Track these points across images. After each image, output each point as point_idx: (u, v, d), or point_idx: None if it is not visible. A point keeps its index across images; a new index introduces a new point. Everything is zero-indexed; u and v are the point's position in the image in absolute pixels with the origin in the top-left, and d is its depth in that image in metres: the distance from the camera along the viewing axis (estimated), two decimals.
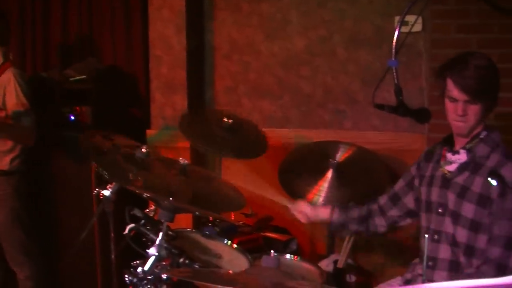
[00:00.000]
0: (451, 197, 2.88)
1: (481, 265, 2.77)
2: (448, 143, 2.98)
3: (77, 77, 4.66)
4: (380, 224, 3.24)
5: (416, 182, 3.10)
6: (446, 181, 2.91)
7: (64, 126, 4.45)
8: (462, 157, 2.88)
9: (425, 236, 2.52)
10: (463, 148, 2.88)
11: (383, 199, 3.25)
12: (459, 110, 2.80)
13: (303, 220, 3.34)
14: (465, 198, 2.82)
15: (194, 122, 4.17)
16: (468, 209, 2.81)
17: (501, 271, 2.70)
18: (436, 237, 2.90)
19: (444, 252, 2.89)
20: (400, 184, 3.20)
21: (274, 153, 4.26)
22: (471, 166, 2.85)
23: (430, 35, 4.35)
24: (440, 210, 2.91)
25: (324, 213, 3.30)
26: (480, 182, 2.81)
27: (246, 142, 4.07)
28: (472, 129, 2.85)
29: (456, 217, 2.85)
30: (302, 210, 3.33)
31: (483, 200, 2.79)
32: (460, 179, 2.86)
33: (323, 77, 4.68)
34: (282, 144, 4.53)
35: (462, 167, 2.87)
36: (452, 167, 2.90)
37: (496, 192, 2.75)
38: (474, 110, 2.80)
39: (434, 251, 2.90)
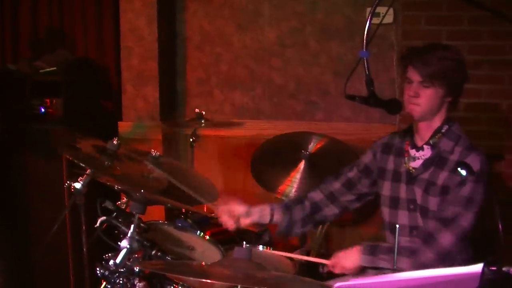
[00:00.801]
0: (418, 193, 2.89)
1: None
2: (408, 135, 3.00)
3: (48, 69, 4.61)
4: (331, 213, 3.16)
5: (374, 173, 3.10)
6: (412, 178, 2.92)
7: (35, 119, 4.40)
8: (426, 153, 2.90)
9: (396, 227, 2.53)
10: (427, 143, 2.90)
11: (334, 186, 3.14)
12: (411, 91, 2.83)
13: (229, 226, 2.97)
14: (430, 193, 2.85)
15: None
16: (434, 203, 2.84)
17: (429, 244, 2.75)
18: (414, 232, 2.92)
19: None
20: (353, 172, 3.14)
21: (246, 144, 4.27)
22: (436, 161, 2.86)
23: (401, 26, 4.39)
24: (411, 207, 2.93)
25: (261, 216, 3.03)
26: (445, 176, 2.83)
27: None
28: (425, 114, 2.86)
29: (425, 212, 2.87)
30: (230, 213, 2.98)
31: (445, 190, 2.81)
32: (425, 175, 2.88)
33: (295, 69, 4.69)
34: (254, 136, 4.53)
35: (427, 163, 2.88)
36: (416, 164, 2.92)
37: (457, 181, 2.77)
38: (426, 93, 2.82)
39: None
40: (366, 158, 3.15)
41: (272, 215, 3.04)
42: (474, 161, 2.77)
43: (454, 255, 2.80)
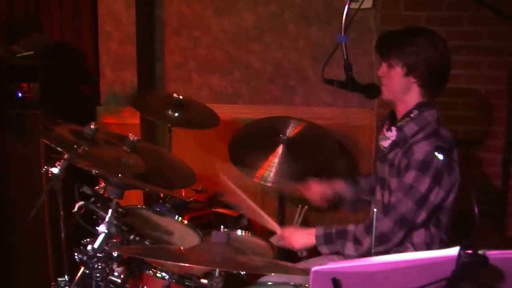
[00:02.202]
0: (386, 171, 2.96)
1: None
2: (390, 117, 3.04)
3: (24, 53, 4.56)
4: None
5: None
6: (383, 155, 3.00)
7: (11, 104, 4.36)
8: (393, 134, 2.95)
9: (373, 211, 2.55)
10: (395, 125, 2.94)
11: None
12: (380, 70, 2.90)
13: (319, 201, 3.35)
14: (391, 173, 2.91)
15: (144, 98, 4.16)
16: (394, 184, 2.89)
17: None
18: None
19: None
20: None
21: (225, 129, 4.26)
22: (400, 144, 2.90)
23: (380, 11, 4.39)
24: (382, 184, 2.99)
25: (338, 187, 3.33)
26: (402, 158, 2.87)
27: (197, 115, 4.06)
28: (391, 95, 2.92)
29: (390, 191, 2.92)
30: (314, 191, 3.34)
31: (398, 170, 2.85)
32: (391, 155, 2.94)
33: (273, 53, 4.68)
34: (233, 120, 4.53)
35: (393, 144, 2.94)
36: (386, 143, 2.98)
37: (404, 164, 2.81)
38: (390, 74, 2.90)
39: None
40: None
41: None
42: (420, 151, 2.80)
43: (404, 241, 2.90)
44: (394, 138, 2.93)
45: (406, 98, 2.92)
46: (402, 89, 2.90)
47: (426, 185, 2.78)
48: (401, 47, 2.87)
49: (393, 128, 2.95)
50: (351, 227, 2.93)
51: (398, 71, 2.87)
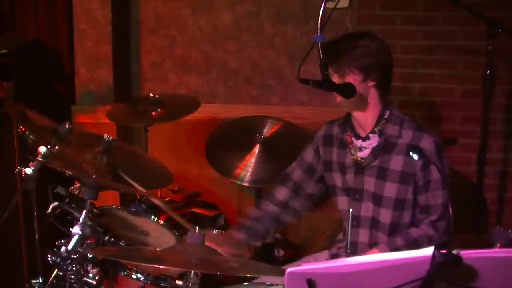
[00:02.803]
0: (369, 182, 2.90)
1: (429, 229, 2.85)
2: (348, 127, 2.99)
3: None
4: (287, 220, 3.23)
5: (320, 169, 3.11)
6: (361, 168, 2.92)
7: None
8: (373, 141, 2.91)
9: (349, 211, 2.55)
10: (372, 132, 2.91)
11: (281, 194, 3.18)
12: None
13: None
14: (386, 179, 2.86)
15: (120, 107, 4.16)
16: (391, 189, 2.86)
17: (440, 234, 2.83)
18: (355, 222, 2.94)
19: (363, 235, 2.94)
20: (297, 174, 3.16)
21: (201, 129, 4.25)
22: (384, 147, 2.88)
23: (356, 11, 4.41)
24: (357, 196, 2.94)
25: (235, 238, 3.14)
26: (400, 160, 2.85)
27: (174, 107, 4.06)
28: (354, 104, 2.87)
29: (378, 199, 2.89)
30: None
31: (405, 177, 2.83)
32: (376, 163, 2.88)
33: (250, 52, 4.67)
34: (209, 119, 4.51)
35: (375, 151, 2.89)
36: (364, 153, 2.93)
37: (419, 165, 2.80)
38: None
39: (354, 235, 2.94)
40: (309, 156, 3.15)
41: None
42: (428, 143, 2.81)
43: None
44: (375, 144, 2.90)
45: (366, 104, 2.89)
46: (362, 97, 2.85)
47: (447, 167, 2.89)
48: (352, 52, 2.81)
49: (371, 136, 2.92)
50: (414, 233, 2.87)
51: (354, 79, 2.80)
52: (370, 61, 2.83)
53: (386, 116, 2.89)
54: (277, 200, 3.18)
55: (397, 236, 2.85)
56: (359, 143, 2.95)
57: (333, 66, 2.82)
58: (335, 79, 2.82)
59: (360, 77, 2.82)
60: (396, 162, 2.85)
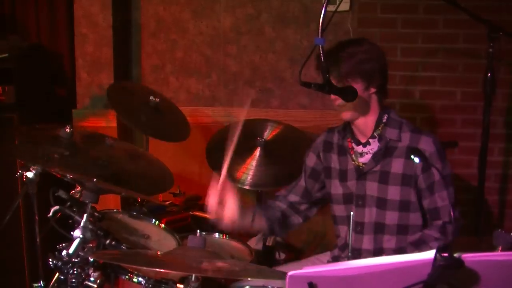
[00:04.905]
0: (372, 186, 2.90)
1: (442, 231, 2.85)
2: (348, 133, 3.00)
3: None
4: (296, 222, 3.23)
5: (321, 174, 3.12)
6: (362, 173, 2.93)
7: None
8: (373, 146, 2.92)
9: (350, 213, 2.55)
10: (372, 137, 2.91)
11: (293, 197, 3.20)
12: (333, 95, 2.84)
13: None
14: (389, 182, 2.86)
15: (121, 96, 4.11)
16: (395, 192, 2.86)
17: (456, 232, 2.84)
18: (358, 228, 2.94)
19: (368, 243, 2.94)
20: (304, 179, 3.19)
21: (202, 132, 4.25)
22: (385, 151, 2.88)
23: (357, 14, 4.41)
24: (360, 202, 2.94)
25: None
26: (400, 163, 2.85)
27: (172, 124, 4.03)
28: (356, 113, 2.87)
29: (382, 203, 2.89)
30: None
31: (406, 179, 2.84)
32: (377, 167, 2.89)
33: (250, 56, 4.67)
34: (210, 123, 4.51)
35: (376, 156, 2.90)
36: (365, 159, 2.93)
37: (420, 168, 2.81)
38: None
39: (358, 243, 2.94)
40: (311, 161, 3.16)
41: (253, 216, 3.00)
42: (427, 143, 2.81)
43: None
44: (375, 149, 2.90)
45: (370, 109, 2.89)
46: (364, 103, 2.86)
47: (449, 166, 2.91)
48: (354, 61, 2.81)
49: (372, 140, 2.92)
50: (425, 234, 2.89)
51: (358, 87, 2.79)
52: (373, 67, 2.83)
53: (384, 120, 2.89)
54: (288, 201, 3.20)
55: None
56: (359, 148, 2.95)
57: (334, 74, 2.80)
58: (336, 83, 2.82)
59: (363, 84, 2.83)
60: (396, 165, 2.85)
